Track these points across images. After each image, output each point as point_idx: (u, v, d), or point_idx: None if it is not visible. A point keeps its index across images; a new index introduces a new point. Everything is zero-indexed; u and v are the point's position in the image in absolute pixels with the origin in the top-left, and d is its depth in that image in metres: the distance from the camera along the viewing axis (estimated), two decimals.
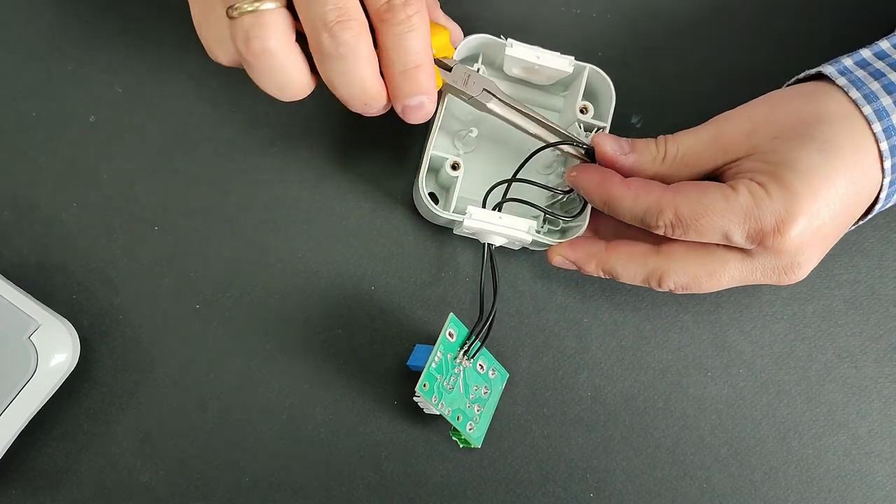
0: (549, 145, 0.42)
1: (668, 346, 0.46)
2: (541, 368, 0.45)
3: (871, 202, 0.39)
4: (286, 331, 0.44)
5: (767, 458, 0.45)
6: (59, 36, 0.45)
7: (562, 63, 0.43)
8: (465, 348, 0.42)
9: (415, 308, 0.45)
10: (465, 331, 0.42)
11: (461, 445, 0.43)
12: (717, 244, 0.39)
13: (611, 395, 0.45)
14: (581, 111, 0.44)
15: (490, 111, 0.42)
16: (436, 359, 0.41)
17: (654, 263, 0.40)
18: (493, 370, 0.43)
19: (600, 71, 0.44)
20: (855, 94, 0.38)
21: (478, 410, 0.43)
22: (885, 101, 0.38)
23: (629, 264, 0.41)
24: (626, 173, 0.41)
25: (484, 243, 0.42)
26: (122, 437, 0.43)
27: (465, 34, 0.43)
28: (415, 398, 0.41)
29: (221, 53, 0.35)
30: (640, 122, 0.47)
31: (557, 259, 0.43)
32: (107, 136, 0.45)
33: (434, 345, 0.41)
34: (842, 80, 0.39)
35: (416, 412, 0.44)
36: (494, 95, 0.42)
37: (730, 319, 0.46)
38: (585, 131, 0.44)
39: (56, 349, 0.40)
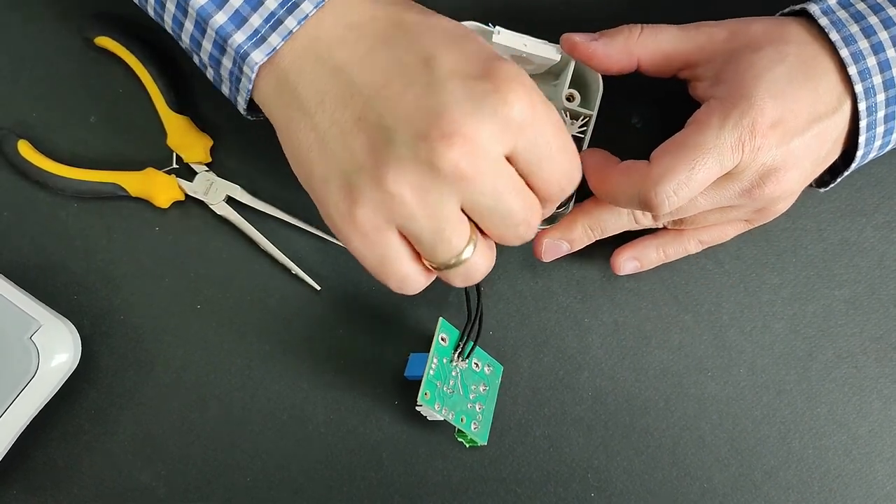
0: None
1: (668, 346, 0.46)
2: (541, 368, 0.45)
3: (839, 129, 0.40)
4: (286, 331, 0.44)
5: (767, 458, 0.45)
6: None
7: (549, 51, 0.42)
8: (459, 350, 0.42)
9: (415, 308, 0.45)
10: (455, 332, 0.42)
11: (467, 445, 0.43)
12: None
13: (611, 394, 0.45)
14: (567, 99, 0.44)
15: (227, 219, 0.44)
16: (432, 366, 0.41)
17: (635, 188, 0.39)
18: (487, 366, 0.44)
19: None
20: (835, 35, 0.39)
21: (479, 408, 0.43)
22: (863, 44, 0.39)
23: (612, 209, 0.42)
24: (600, 59, 0.42)
25: None
26: (122, 437, 0.43)
27: (456, 20, 0.43)
28: (417, 408, 0.41)
29: (413, 284, 0.37)
30: (639, 122, 0.47)
31: (546, 245, 0.43)
32: (107, 135, 0.45)
33: (427, 352, 0.41)
34: (824, 21, 0.40)
35: (417, 412, 0.44)
36: (238, 202, 0.44)
37: (730, 319, 0.46)
38: (572, 119, 0.44)
39: (57, 349, 0.40)
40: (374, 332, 0.45)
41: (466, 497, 0.44)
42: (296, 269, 0.44)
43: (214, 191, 0.44)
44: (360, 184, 0.34)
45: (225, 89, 0.39)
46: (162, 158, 0.45)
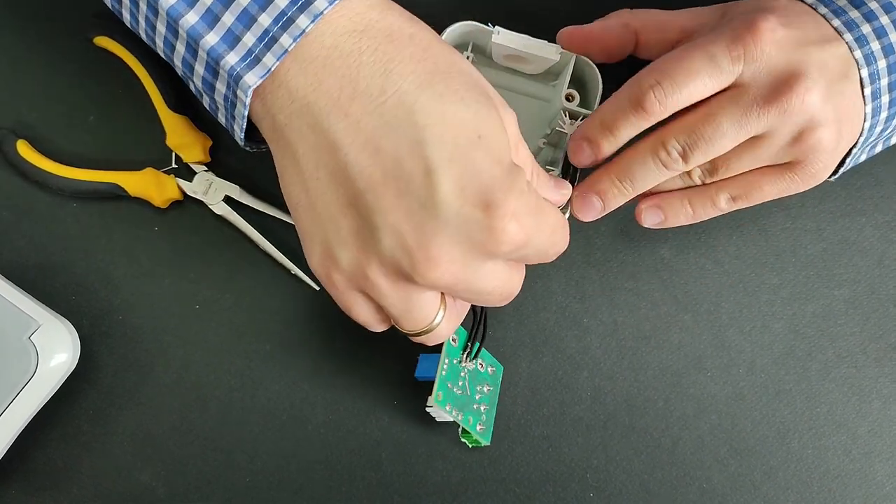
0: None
1: (668, 346, 0.46)
2: (541, 368, 0.45)
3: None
4: (286, 331, 0.44)
5: (767, 458, 0.45)
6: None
7: (549, 51, 0.42)
8: (468, 350, 0.42)
9: None
10: (464, 333, 0.42)
11: (471, 446, 0.43)
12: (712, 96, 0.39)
13: (610, 394, 0.45)
14: (567, 99, 0.44)
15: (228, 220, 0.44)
16: (444, 367, 0.41)
17: (654, 135, 0.39)
18: (491, 366, 0.44)
19: (588, 60, 0.44)
20: (836, 22, 0.39)
21: (483, 409, 0.43)
22: (853, 14, 0.39)
23: (634, 151, 0.40)
24: (598, 37, 0.42)
25: None
26: (122, 437, 0.43)
27: (456, 20, 0.43)
28: (427, 408, 0.40)
29: (375, 329, 0.38)
30: None
31: (577, 202, 0.41)
32: (106, 135, 0.45)
33: (436, 353, 0.41)
34: (823, 10, 0.40)
35: (416, 412, 0.44)
36: (238, 202, 0.44)
37: (729, 319, 0.46)
38: (571, 119, 0.44)
39: (56, 349, 0.40)
40: (373, 332, 0.45)
41: (466, 497, 0.44)
42: (295, 270, 0.44)
43: (214, 191, 0.44)
44: (341, 257, 0.34)
45: (221, 118, 0.38)
46: (161, 158, 0.45)
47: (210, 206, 0.44)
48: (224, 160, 0.45)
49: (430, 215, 0.32)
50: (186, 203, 0.45)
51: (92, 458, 0.43)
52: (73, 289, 0.44)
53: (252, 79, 0.33)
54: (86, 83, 0.46)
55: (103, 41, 0.45)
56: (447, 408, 0.40)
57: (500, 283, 0.36)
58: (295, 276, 0.44)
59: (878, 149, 0.44)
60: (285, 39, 0.33)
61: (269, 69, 0.33)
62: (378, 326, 0.38)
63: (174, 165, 0.45)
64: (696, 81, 0.38)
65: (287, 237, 0.45)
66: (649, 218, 0.43)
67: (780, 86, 0.37)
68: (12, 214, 0.44)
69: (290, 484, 0.43)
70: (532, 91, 0.46)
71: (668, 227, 0.43)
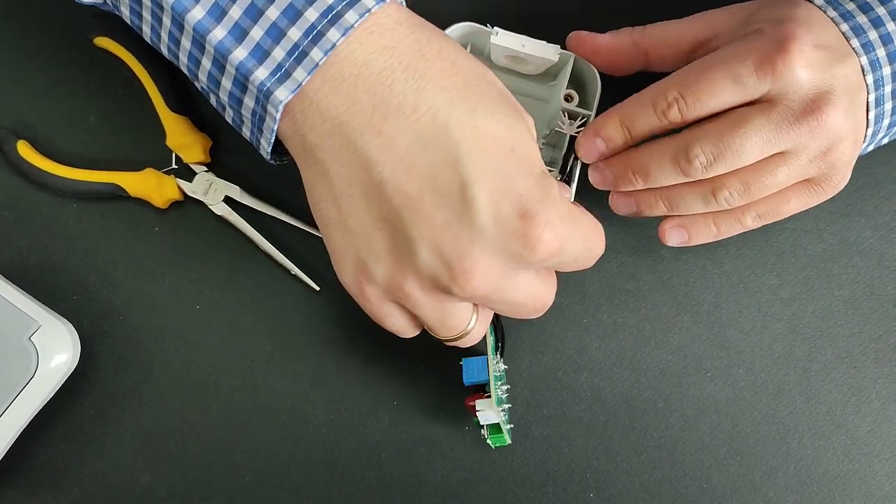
0: None
1: (667, 347, 0.46)
2: (541, 369, 0.45)
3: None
4: (286, 331, 0.44)
5: (767, 458, 0.45)
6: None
7: (547, 51, 0.42)
8: (500, 349, 0.42)
9: None
10: (491, 331, 0.42)
11: (495, 446, 0.42)
12: (735, 106, 0.39)
13: (610, 395, 0.45)
14: (566, 99, 0.44)
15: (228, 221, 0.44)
16: (491, 366, 0.41)
17: (678, 140, 0.39)
18: (505, 365, 0.44)
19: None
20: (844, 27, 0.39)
21: (508, 408, 0.43)
22: (861, 19, 0.39)
23: (655, 150, 0.40)
24: (608, 51, 0.42)
25: None
26: (123, 437, 0.43)
27: (455, 21, 0.43)
28: (478, 412, 0.40)
29: (408, 335, 0.39)
30: None
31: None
32: (106, 135, 0.45)
33: (475, 356, 0.41)
34: (820, 0, 0.40)
35: (416, 412, 0.44)
36: (238, 203, 0.44)
37: (729, 320, 0.46)
38: (570, 119, 0.44)
39: (56, 349, 0.40)
40: (374, 332, 0.45)
41: (466, 497, 0.44)
42: (295, 270, 0.44)
43: (214, 191, 0.45)
44: (376, 272, 0.34)
45: (245, 131, 0.37)
46: (161, 159, 0.45)
47: (210, 207, 0.44)
48: (224, 160, 0.45)
49: (467, 227, 0.32)
50: (186, 203, 0.45)
51: (92, 458, 0.43)
52: (73, 289, 0.44)
53: (283, 93, 0.33)
54: (86, 83, 0.46)
55: (103, 41, 0.45)
56: (500, 408, 0.40)
57: (533, 294, 0.36)
58: (295, 276, 0.45)
59: (870, 149, 0.44)
60: (316, 53, 0.32)
61: (300, 84, 0.33)
62: (411, 333, 0.38)
63: (174, 166, 0.45)
64: (719, 99, 0.38)
65: (287, 237, 0.45)
66: (673, 237, 0.43)
67: (810, 104, 0.37)
68: (12, 214, 0.44)
69: (290, 484, 0.43)
70: (531, 91, 0.46)
71: (692, 245, 0.43)
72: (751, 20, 0.40)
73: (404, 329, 0.38)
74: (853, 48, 0.39)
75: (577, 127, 0.43)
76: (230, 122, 0.38)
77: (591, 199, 0.43)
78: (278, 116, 0.33)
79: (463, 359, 0.42)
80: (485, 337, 0.41)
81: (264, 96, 0.33)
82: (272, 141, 0.35)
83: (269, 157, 0.37)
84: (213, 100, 0.37)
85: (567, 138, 0.43)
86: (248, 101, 0.34)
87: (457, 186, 0.32)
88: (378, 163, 0.32)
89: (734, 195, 0.39)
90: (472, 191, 0.32)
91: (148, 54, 0.45)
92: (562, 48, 0.43)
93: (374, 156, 0.33)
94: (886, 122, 0.41)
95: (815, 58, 0.37)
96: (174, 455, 0.43)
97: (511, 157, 0.33)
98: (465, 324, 0.37)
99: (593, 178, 0.42)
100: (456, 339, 0.37)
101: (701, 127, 0.39)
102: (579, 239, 0.35)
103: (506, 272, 0.34)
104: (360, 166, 0.33)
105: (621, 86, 0.43)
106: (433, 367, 0.44)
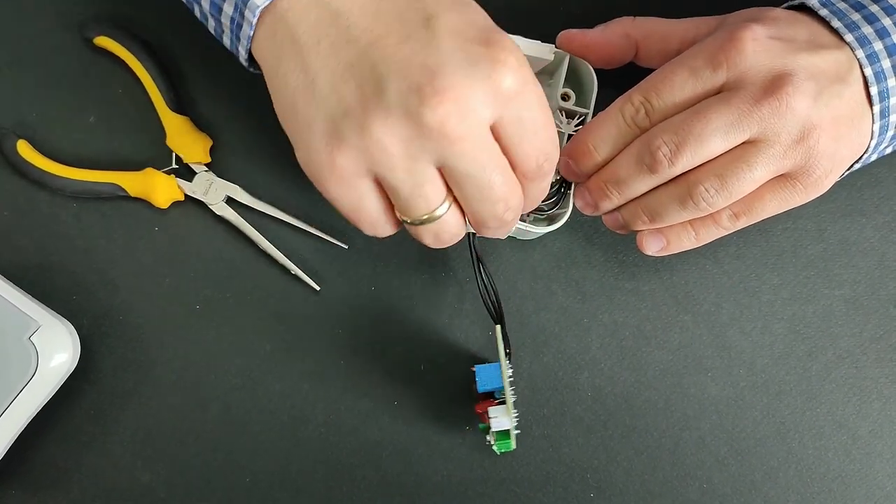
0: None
1: (668, 347, 0.46)
2: (541, 368, 0.45)
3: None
4: (286, 331, 0.44)
5: (767, 458, 0.45)
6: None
7: (542, 50, 0.42)
8: (509, 355, 0.42)
9: (416, 308, 0.45)
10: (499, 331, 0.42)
11: (500, 452, 0.41)
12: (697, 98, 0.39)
13: (611, 395, 0.45)
14: (563, 98, 0.44)
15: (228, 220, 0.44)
16: (505, 373, 0.40)
17: (641, 139, 0.40)
18: (512, 371, 0.43)
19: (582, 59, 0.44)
20: (837, 23, 0.39)
21: (515, 416, 0.42)
22: (867, 29, 0.39)
23: (621, 156, 0.40)
24: (598, 45, 0.43)
25: (468, 233, 0.41)
26: (122, 437, 0.43)
27: None
28: (492, 419, 0.39)
29: (383, 231, 0.38)
30: None
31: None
32: (106, 135, 0.45)
33: (490, 363, 0.41)
34: (824, 11, 0.40)
35: (417, 412, 0.44)
36: (238, 203, 0.44)
37: (729, 320, 0.46)
38: (567, 118, 0.44)
39: (56, 349, 0.40)
40: (374, 332, 0.45)
41: (466, 497, 0.44)
42: (295, 270, 0.44)
43: (214, 191, 0.45)
44: (345, 129, 0.34)
45: (226, 40, 0.39)
46: (161, 158, 0.45)
47: (210, 207, 0.44)
48: (224, 160, 0.45)
49: (434, 53, 0.33)
50: (186, 203, 0.45)
51: (92, 458, 0.43)
52: (73, 289, 0.44)
53: None
54: (86, 83, 0.46)
55: (103, 41, 0.45)
56: (513, 413, 0.39)
57: (500, 176, 0.35)
58: (295, 276, 0.44)
59: (889, 150, 0.43)
60: None
61: None
62: (385, 226, 0.37)
63: (174, 165, 0.45)
64: (679, 94, 0.39)
65: (287, 237, 0.45)
66: (651, 244, 0.42)
67: (769, 85, 0.38)
68: (12, 214, 0.44)
69: (290, 484, 0.43)
70: None
71: (672, 252, 0.42)
72: (724, 23, 0.41)
73: (378, 216, 0.37)
74: (847, 42, 0.39)
75: (575, 125, 0.43)
76: (212, 31, 0.39)
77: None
78: (254, 21, 0.35)
79: (476, 366, 0.41)
80: (496, 343, 0.41)
81: (242, 2, 0.35)
82: (248, 47, 0.37)
83: (247, 63, 0.38)
84: (196, 10, 0.39)
85: (566, 137, 0.43)
86: (228, 9, 0.37)
87: (422, 19, 0.34)
88: (345, 11, 0.34)
89: (711, 191, 0.39)
90: (437, 21, 0.34)
91: (148, 55, 0.45)
92: (562, 50, 0.43)
93: (342, 5, 0.35)
94: (891, 133, 0.41)
95: (771, 46, 0.38)
96: (174, 455, 0.43)
97: (471, 5, 0.36)
98: (437, 201, 0.36)
99: (578, 203, 0.43)
100: (426, 223, 0.36)
101: (663, 122, 0.39)
102: (536, 99, 0.35)
103: (475, 103, 0.34)
104: (328, 20, 0.35)
105: (618, 83, 0.43)
106: (433, 368, 0.44)
